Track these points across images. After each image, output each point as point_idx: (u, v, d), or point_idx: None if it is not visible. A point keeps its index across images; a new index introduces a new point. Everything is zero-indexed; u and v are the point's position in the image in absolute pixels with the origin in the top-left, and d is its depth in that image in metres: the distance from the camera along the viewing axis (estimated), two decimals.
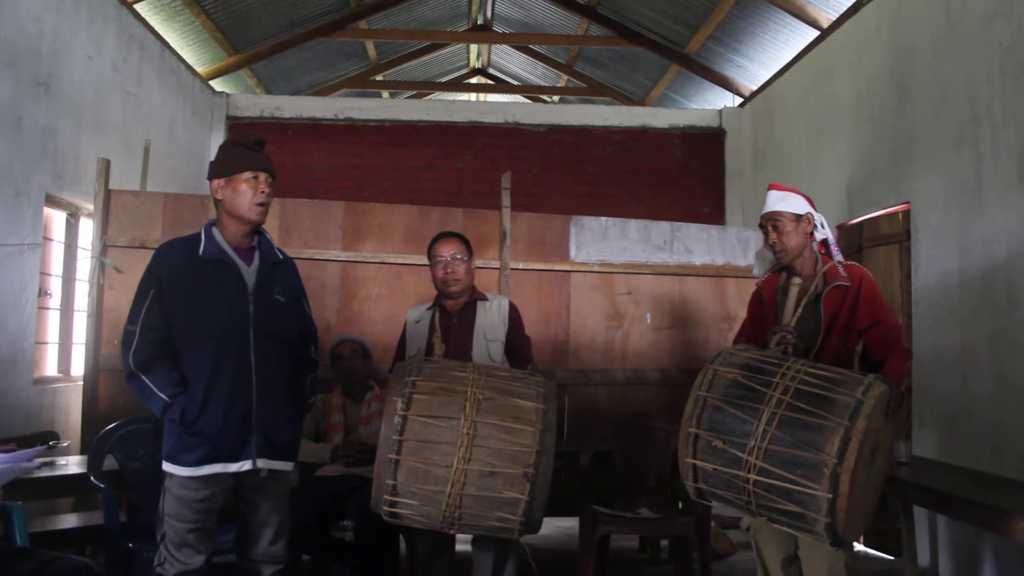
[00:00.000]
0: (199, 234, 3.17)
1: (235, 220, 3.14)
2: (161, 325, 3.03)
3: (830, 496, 2.55)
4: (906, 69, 5.51)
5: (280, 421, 3.13)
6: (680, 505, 5.04)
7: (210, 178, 3.16)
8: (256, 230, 3.21)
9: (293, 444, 3.22)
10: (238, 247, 3.16)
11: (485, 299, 4.02)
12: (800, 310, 3.29)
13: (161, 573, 3.01)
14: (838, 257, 3.52)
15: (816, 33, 7.02)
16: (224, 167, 3.13)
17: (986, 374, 4.57)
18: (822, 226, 3.50)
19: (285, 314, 3.21)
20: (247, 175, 3.10)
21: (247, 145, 3.17)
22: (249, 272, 3.14)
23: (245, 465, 3.03)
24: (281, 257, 3.29)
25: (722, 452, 2.74)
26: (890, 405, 2.88)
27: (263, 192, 3.12)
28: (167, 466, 3.03)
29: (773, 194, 3.48)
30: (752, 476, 2.68)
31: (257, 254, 3.20)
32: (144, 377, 3.02)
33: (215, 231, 3.17)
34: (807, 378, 2.75)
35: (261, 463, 3.06)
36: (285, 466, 3.17)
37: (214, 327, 3.03)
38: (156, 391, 3.00)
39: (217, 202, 3.15)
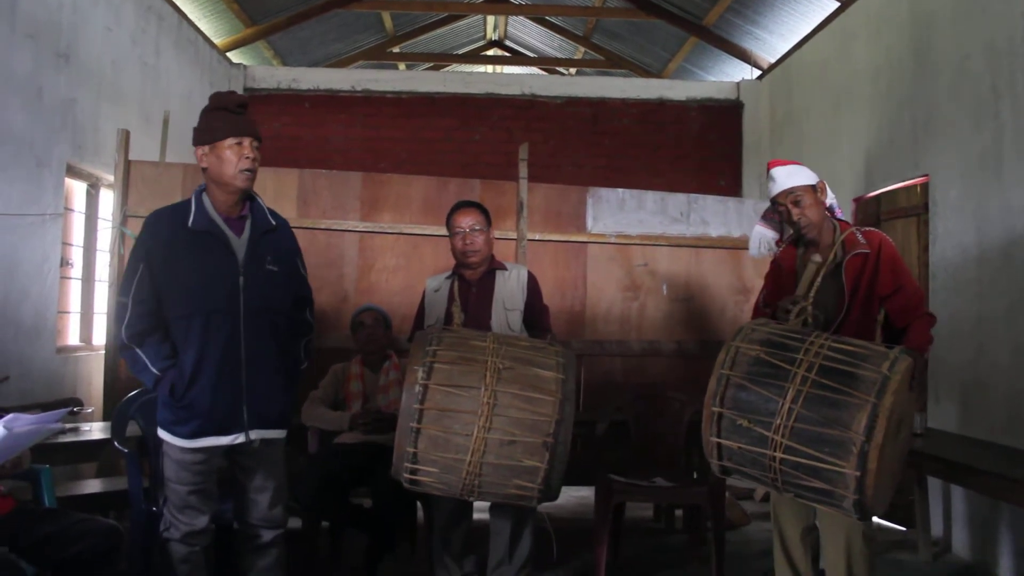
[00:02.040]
0: (189, 202, 3.09)
1: (222, 188, 3.05)
2: (152, 298, 2.99)
3: (858, 474, 2.54)
4: (926, 40, 5.46)
5: (271, 393, 3.10)
6: (695, 475, 5.08)
7: (194, 145, 3.07)
8: (247, 196, 3.13)
9: (286, 413, 3.20)
10: (228, 216, 3.08)
11: (504, 268, 4.03)
12: (819, 280, 3.27)
13: (168, 537, 3.06)
14: (841, 218, 3.51)
15: (836, 4, 6.96)
16: (206, 134, 3.03)
17: (1003, 346, 4.58)
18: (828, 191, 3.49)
19: (277, 284, 3.14)
20: (230, 141, 3.00)
21: (229, 108, 3.05)
22: (239, 243, 3.07)
23: (238, 438, 3.03)
24: (274, 223, 3.19)
25: (747, 431, 2.73)
26: (914, 376, 2.85)
27: (248, 158, 3.02)
28: (162, 434, 3.04)
29: (780, 171, 3.40)
30: (778, 454, 2.67)
31: (248, 223, 3.11)
32: (137, 350, 3.00)
33: (205, 199, 3.09)
34: (831, 353, 2.73)
35: (254, 434, 3.05)
36: (278, 434, 3.15)
37: (203, 302, 2.98)
38: (148, 364, 2.99)
39: (203, 170, 3.06)
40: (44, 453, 3.70)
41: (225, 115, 3.05)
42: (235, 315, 3.02)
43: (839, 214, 3.53)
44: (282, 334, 3.18)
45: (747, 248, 5.71)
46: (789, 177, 3.38)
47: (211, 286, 3.01)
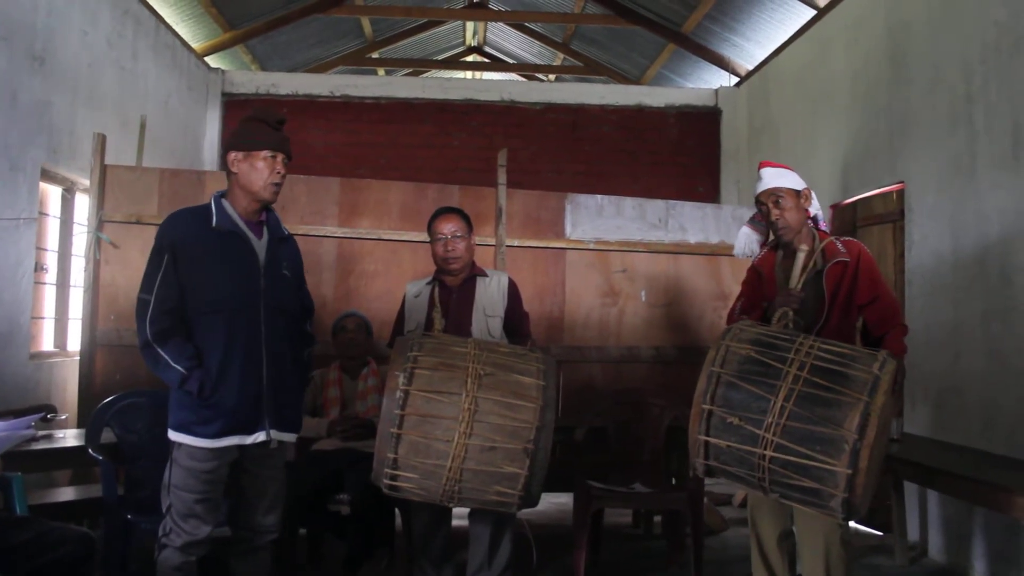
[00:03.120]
0: (208, 205, 3.16)
1: (247, 195, 3.13)
2: (176, 295, 3.03)
3: (849, 472, 2.57)
4: (902, 47, 5.52)
5: (288, 393, 3.18)
6: (673, 481, 5.09)
7: (228, 149, 3.15)
8: (265, 206, 3.22)
9: (298, 415, 3.28)
10: (248, 221, 3.17)
11: (485, 275, 4.03)
12: (801, 284, 3.30)
13: (167, 543, 3.03)
14: (824, 229, 3.56)
15: (813, 12, 7.01)
16: (244, 141, 3.12)
17: (978, 352, 4.62)
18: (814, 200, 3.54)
19: (291, 288, 3.26)
20: (266, 154, 3.10)
21: (269, 123, 3.16)
22: (260, 246, 3.16)
23: (259, 437, 3.07)
24: (286, 233, 3.31)
25: (737, 429, 2.73)
26: (896, 381, 2.90)
27: (279, 173, 3.13)
28: (178, 436, 3.02)
29: (769, 171, 3.48)
30: (768, 452, 2.68)
31: (265, 228, 3.21)
32: (159, 348, 3.00)
33: (225, 203, 3.16)
34: (822, 354, 2.76)
35: (273, 434, 3.10)
36: (291, 437, 3.22)
37: (227, 299, 3.05)
38: (171, 363, 2.99)
39: (231, 174, 3.14)
40: (16, 460, 3.66)
41: (265, 128, 3.15)
42: (256, 313, 3.09)
43: (823, 225, 3.57)
44: (294, 339, 3.27)
45: (726, 254, 5.79)
46: (775, 178, 3.45)
47: (236, 284, 3.08)
